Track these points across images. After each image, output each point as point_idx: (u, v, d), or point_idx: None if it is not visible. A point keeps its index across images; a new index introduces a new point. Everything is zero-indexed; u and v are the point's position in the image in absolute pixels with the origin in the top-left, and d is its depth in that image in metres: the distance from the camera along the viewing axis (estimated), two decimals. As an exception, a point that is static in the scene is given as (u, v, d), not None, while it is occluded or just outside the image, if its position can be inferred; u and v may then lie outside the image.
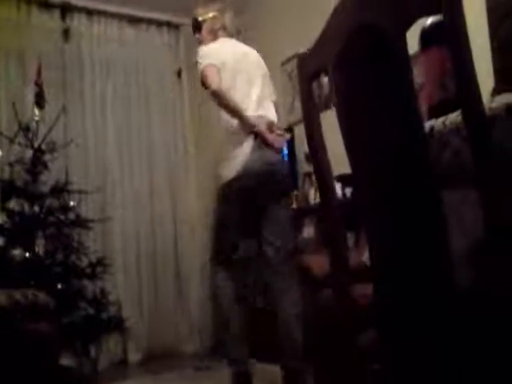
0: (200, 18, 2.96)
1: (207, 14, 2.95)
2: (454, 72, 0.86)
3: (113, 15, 4.58)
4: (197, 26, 2.97)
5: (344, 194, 3.40)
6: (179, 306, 4.62)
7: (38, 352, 1.37)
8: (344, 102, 1.01)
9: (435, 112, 1.04)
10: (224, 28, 2.94)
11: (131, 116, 4.59)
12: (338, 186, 3.48)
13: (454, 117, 0.91)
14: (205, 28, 2.94)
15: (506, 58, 1.01)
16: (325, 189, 1.18)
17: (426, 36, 1.17)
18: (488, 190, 0.84)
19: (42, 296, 1.54)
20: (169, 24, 4.82)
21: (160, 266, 4.58)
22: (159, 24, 4.80)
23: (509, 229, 0.83)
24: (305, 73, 1.10)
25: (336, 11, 0.97)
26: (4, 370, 1.31)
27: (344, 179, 3.23)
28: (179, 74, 4.80)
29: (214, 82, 2.64)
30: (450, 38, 0.85)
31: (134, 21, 4.68)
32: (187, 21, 4.79)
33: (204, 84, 2.70)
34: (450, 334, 0.89)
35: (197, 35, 2.99)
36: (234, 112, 2.68)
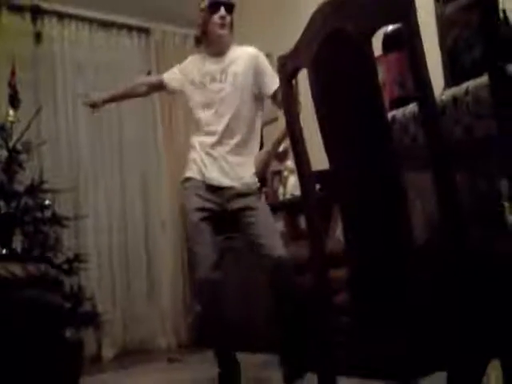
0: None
1: None
2: (411, 71, 1.05)
3: (83, 19, 4.68)
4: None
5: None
6: (152, 301, 4.73)
7: (50, 322, 1.49)
8: (319, 95, 1.19)
9: (395, 105, 1.24)
10: None
11: (102, 115, 4.68)
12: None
13: (411, 107, 1.10)
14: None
15: (452, 60, 1.23)
16: (304, 181, 1.35)
17: (388, 41, 1.37)
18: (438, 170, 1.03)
19: (51, 269, 1.66)
20: (139, 28, 4.95)
21: (132, 262, 4.70)
22: (130, 28, 4.92)
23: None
24: (285, 72, 1.27)
25: (312, 19, 1.15)
26: (17, 340, 1.43)
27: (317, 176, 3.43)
28: (149, 73, 4.92)
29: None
30: (407, 43, 1.05)
31: (104, 25, 4.79)
32: (157, 25, 4.96)
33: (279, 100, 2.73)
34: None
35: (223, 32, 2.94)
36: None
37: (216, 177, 2.84)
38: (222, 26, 2.88)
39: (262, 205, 2.87)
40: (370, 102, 1.07)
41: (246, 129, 2.87)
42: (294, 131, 1.30)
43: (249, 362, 3.09)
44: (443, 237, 1.04)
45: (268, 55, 3.04)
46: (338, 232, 2.83)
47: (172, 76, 3.10)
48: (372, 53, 1.06)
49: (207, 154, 2.86)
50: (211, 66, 2.92)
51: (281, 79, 1.29)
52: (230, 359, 2.84)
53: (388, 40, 1.37)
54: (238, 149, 2.85)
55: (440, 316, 1.14)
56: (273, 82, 2.78)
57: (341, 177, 1.24)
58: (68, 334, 2.82)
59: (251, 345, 3.51)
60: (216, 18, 2.87)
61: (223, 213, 2.84)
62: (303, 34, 1.24)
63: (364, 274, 1.21)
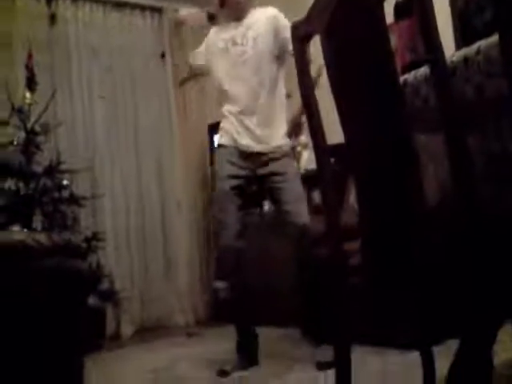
0: None
1: None
2: (421, 34, 1.07)
3: (97, 0, 4.70)
4: None
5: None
6: (169, 279, 4.80)
7: (74, 288, 1.55)
8: (332, 62, 1.21)
9: (408, 70, 1.25)
10: None
11: (117, 97, 4.74)
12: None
13: (423, 70, 1.12)
14: None
15: (463, 24, 1.24)
16: (319, 154, 1.37)
17: (399, 9, 1.38)
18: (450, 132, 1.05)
19: (73, 237, 1.71)
20: (152, 8, 4.96)
21: (149, 241, 4.76)
22: (143, 8, 4.94)
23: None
24: (297, 35, 1.29)
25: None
26: (42, 305, 1.49)
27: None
28: (163, 56, 4.95)
29: None
30: (418, 9, 1.06)
31: (118, 5, 4.81)
32: (169, 4, 4.96)
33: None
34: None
35: None
36: None
37: (247, 143, 2.90)
38: None
39: (291, 169, 2.93)
40: (383, 65, 1.09)
41: (270, 89, 2.92)
42: (308, 102, 1.31)
43: (266, 335, 3.15)
44: (455, 198, 1.06)
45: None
46: (352, 200, 2.85)
47: (196, 56, 3.15)
48: (384, 16, 1.08)
49: (237, 120, 2.92)
50: (232, 31, 2.97)
51: (294, 42, 1.30)
52: (249, 331, 2.90)
53: (399, 8, 1.38)
54: (266, 110, 2.90)
55: (451, 277, 1.16)
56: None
57: (354, 143, 1.26)
58: (91, 301, 2.90)
59: (272, 317, 3.55)
60: None
61: (254, 178, 2.91)
62: (316, 1, 1.25)
63: (377, 237, 1.24)
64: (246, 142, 2.90)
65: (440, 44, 1.03)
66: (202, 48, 3.13)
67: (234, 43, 2.94)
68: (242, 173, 2.89)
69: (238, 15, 2.98)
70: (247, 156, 2.90)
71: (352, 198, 2.91)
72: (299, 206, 2.81)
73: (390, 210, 1.22)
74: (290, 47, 2.80)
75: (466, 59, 1.00)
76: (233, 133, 2.92)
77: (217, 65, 3.00)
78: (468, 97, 1.03)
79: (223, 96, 3.00)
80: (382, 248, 1.24)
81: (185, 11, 3.20)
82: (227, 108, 2.96)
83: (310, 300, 2.99)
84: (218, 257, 3.10)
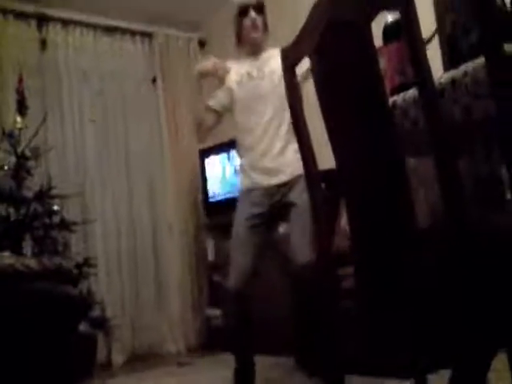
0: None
1: None
2: (410, 57, 1.07)
3: (88, 25, 4.74)
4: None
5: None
6: (161, 306, 4.76)
7: (65, 314, 1.52)
8: (322, 82, 1.21)
9: (397, 92, 1.26)
10: None
11: (108, 121, 4.75)
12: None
13: (411, 92, 1.12)
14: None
15: (450, 46, 1.25)
16: (311, 180, 1.37)
17: (387, 32, 1.39)
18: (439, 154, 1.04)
19: (64, 263, 1.69)
20: (142, 33, 5.00)
21: (141, 266, 4.73)
22: (133, 33, 4.97)
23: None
24: (287, 62, 1.30)
25: (314, 8, 1.17)
26: (32, 331, 1.46)
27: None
28: (154, 80, 4.97)
29: None
30: (405, 32, 1.07)
31: (108, 30, 4.84)
32: (160, 29, 5.01)
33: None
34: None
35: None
36: None
37: (261, 179, 2.87)
38: (254, 28, 2.90)
39: (302, 199, 2.80)
40: (372, 88, 1.09)
41: (282, 121, 2.86)
42: (300, 133, 1.31)
43: (260, 363, 3.11)
44: (445, 220, 1.05)
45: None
46: (343, 223, 2.83)
47: (217, 98, 3.05)
48: (371, 37, 1.08)
49: (251, 158, 2.90)
50: (248, 65, 2.95)
51: (283, 66, 1.31)
52: (247, 359, 2.87)
53: (388, 30, 1.39)
54: (280, 142, 2.85)
55: (444, 301, 1.14)
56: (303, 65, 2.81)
57: (345, 166, 1.25)
58: (82, 328, 2.84)
59: (266, 346, 3.52)
60: (247, 21, 2.90)
61: (270, 211, 2.88)
62: (305, 25, 1.26)
63: (369, 260, 1.23)
64: (259, 178, 2.87)
65: (428, 66, 1.03)
66: (219, 91, 3.04)
67: (250, 77, 2.93)
68: (258, 210, 2.86)
69: (255, 50, 2.97)
70: (263, 192, 2.87)
71: (343, 221, 2.90)
72: (302, 239, 2.78)
73: (382, 233, 1.21)
74: (300, 70, 2.83)
75: (453, 81, 1.00)
76: (247, 171, 2.92)
77: (236, 98, 2.97)
78: (456, 118, 1.03)
79: (239, 131, 2.97)
80: (374, 271, 1.23)
81: (209, 61, 3.10)
82: (242, 143, 2.96)
83: (302, 328, 2.96)
84: (224, 296, 3.05)
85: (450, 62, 1.26)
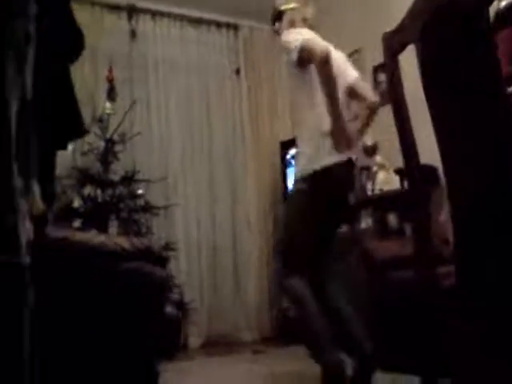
0: (282, 8, 2.89)
1: (289, 5, 2.89)
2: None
3: (175, 16, 4.84)
4: (277, 16, 2.92)
5: (402, 186, 3.53)
6: (237, 295, 4.81)
7: (155, 294, 1.56)
8: (429, 72, 1.17)
9: (507, 82, 1.19)
10: (304, 20, 2.84)
11: (193, 111, 4.85)
12: (396, 179, 3.63)
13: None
14: (285, 18, 2.88)
15: None
16: (411, 175, 1.32)
17: (500, 17, 1.32)
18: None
19: (153, 244, 1.73)
20: (228, 25, 5.05)
21: (219, 256, 4.80)
22: (219, 25, 5.03)
23: None
24: (389, 48, 1.25)
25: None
26: (121, 310, 1.50)
27: (402, 172, 3.37)
28: (238, 72, 5.02)
29: (322, 49, 2.42)
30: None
31: (195, 22, 4.93)
32: (245, 22, 5.05)
33: (307, 58, 2.46)
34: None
35: (276, 25, 2.93)
36: (336, 101, 2.47)
37: None
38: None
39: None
40: (488, 76, 1.03)
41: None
42: (399, 109, 1.27)
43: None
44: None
45: (357, 51, 3.05)
46: (442, 218, 2.72)
47: None
48: (489, 24, 1.02)
49: None
50: None
51: (386, 55, 1.26)
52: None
53: (500, 15, 1.32)
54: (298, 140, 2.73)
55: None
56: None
57: (452, 156, 1.19)
58: (168, 309, 2.91)
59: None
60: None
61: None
62: (409, 11, 1.21)
63: (476, 257, 1.17)
64: None
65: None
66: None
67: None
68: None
69: None
70: None
71: (442, 217, 2.76)
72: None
73: (493, 228, 1.14)
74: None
75: None
76: None
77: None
78: None
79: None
80: (482, 267, 1.17)
81: None
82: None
83: (385, 328, 2.82)
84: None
85: None
